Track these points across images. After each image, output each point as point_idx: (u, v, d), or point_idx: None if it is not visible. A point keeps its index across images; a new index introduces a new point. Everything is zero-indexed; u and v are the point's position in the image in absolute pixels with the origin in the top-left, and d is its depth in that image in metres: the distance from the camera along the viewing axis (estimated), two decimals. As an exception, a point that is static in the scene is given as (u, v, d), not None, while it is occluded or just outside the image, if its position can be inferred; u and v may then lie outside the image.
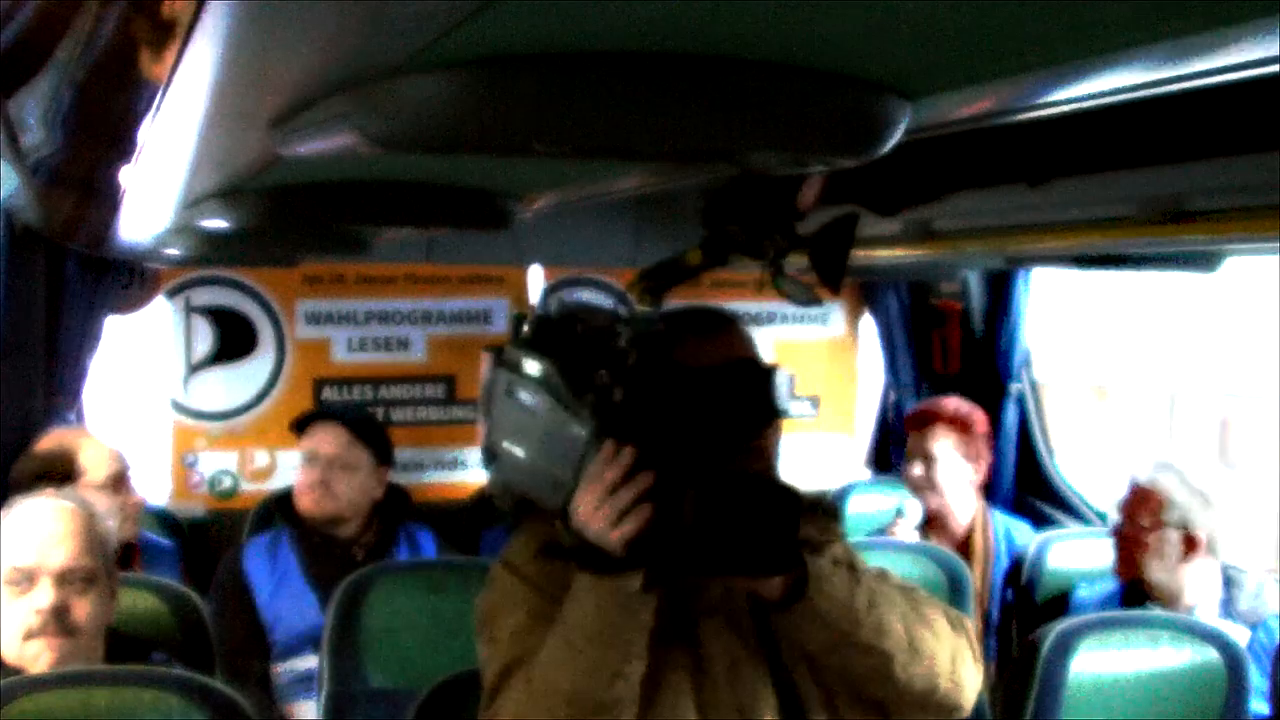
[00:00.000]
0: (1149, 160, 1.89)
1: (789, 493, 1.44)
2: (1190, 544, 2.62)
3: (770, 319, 4.22)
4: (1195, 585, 2.64)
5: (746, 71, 0.97)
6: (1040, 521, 3.54)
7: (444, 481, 4.06)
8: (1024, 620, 3.01)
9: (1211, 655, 2.37)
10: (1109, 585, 2.79)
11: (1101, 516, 3.49)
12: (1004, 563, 3.21)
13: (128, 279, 3.56)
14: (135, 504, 2.93)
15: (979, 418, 3.27)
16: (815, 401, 4.32)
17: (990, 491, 3.45)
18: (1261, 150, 1.69)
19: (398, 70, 0.93)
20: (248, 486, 3.90)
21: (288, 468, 3.64)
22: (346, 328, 3.97)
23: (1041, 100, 1.03)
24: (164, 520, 3.54)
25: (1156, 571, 2.65)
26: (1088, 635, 2.34)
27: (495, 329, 4.05)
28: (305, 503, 3.00)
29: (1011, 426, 3.74)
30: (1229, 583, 2.67)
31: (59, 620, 1.98)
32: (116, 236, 2.73)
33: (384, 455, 3.08)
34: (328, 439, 3.01)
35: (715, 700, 1.57)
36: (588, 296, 4.11)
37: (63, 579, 2.00)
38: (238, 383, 3.90)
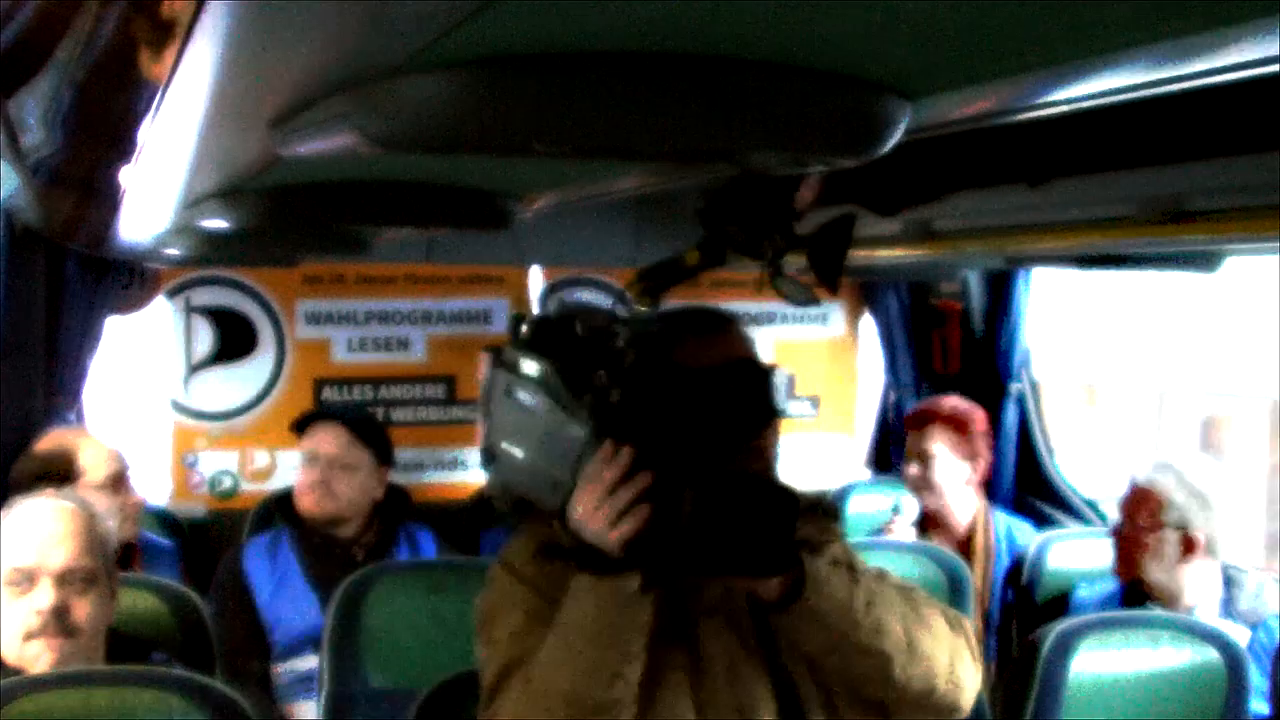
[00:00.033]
0: (1149, 160, 1.89)
1: (787, 493, 1.45)
2: (1189, 544, 2.62)
3: (770, 319, 4.22)
4: (1195, 585, 2.64)
5: (746, 71, 0.96)
6: (1040, 521, 3.53)
7: (444, 481, 4.05)
8: (1024, 620, 3.01)
9: (1211, 655, 2.37)
10: (1109, 585, 2.79)
11: (1102, 517, 3.49)
12: (1005, 562, 3.21)
13: (128, 279, 3.56)
14: (135, 504, 2.93)
15: (977, 417, 3.26)
16: (815, 401, 4.31)
17: (990, 491, 3.44)
18: (1261, 150, 1.68)
19: (398, 70, 0.93)
20: (248, 486, 3.90)
21: (288, 468, 3.63)
22: (346, 328, 3.97)
23: (1041, 100, 1.03)
24: (164, 520, 3.54)
25: (1155, 572, 2.65)
26: (1088, 635, 2.34)
27: (495, 329, 4.04)
28: (305, 503, 3.00)
29: (1011, 426, 3.73)
30: (1229, 583, 2.67)
31: (59, 620, 1.98)
32: (116, 236, 2.73)
33: (384, 455, 3.08)
34: (328, 439, 3.01)
35: (714, 701, 1.57)
36: (587, 297, 4.11)
37: (63, 579, 2.00)
38: (238, 383, 3.90)
